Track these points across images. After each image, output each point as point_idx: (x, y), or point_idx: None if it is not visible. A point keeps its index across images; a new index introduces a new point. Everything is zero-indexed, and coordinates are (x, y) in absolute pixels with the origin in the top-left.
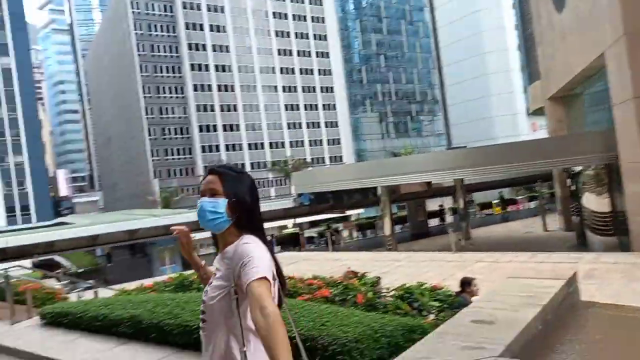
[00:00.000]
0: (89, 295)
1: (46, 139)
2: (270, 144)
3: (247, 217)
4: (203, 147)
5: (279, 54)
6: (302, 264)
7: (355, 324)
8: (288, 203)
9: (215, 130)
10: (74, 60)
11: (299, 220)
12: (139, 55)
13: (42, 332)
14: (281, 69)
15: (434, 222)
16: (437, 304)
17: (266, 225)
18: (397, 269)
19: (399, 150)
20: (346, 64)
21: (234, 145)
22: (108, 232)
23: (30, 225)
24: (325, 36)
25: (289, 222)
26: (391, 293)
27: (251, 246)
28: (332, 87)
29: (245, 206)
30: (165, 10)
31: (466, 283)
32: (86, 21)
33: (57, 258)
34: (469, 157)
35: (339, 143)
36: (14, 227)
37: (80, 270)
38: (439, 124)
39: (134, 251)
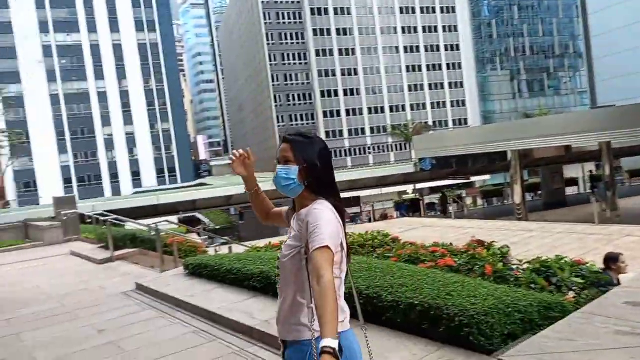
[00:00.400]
0: (224, 250)
1: (187, 107)
2: (391, 107)
3: (317, 182)
4: (325, 113)
5: (401, 12)
6: (422, 231)
7: (485, 296)
8: (408, 168)
9: (336, 95)
10: (209, 32)
11: (420, 185)
12: (266, 23)
13: (186, 281)
14: (403, 28)
15: (571, 191)
16: (579, 280)
17: (385, 190)
18: (529, 240)
19: (533, 111)
20: (474, 19)
21: (354, 110)
22: (240, 193)
23: (176, 185)
24: None
25: (409, 188)
26: (524, 266)
27: (321, 213)
28: (457, 45)
29: (315, 172)
30: None
31: (612, 259)
32: None
33: (198, 215)
34: (619, 117)
35: (463, 105)
36: (163, 187)
37: (217, 227)
38: (582, 80)
39: None
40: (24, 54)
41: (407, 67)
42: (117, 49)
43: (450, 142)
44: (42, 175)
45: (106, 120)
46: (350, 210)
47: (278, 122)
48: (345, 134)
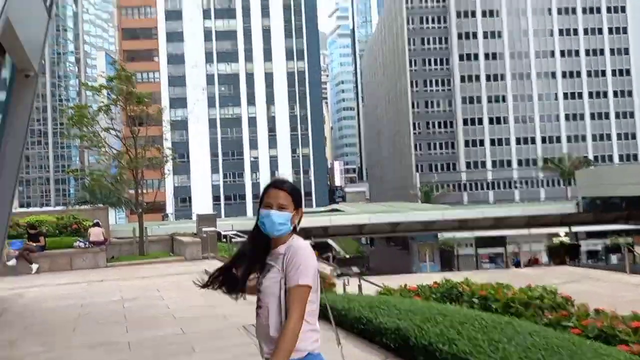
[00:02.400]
0: (353, 282)
1: (327, 133)
2: (543, 138)
3: (298, 224)
4: (466, 142)
5: (560, 34)
6: (587, 284)
7: None
8: (567, 207)
9: (480, 123)
10: (353, 61)
11: (576, 229)
12: (410, 50)
13: None
14: (562, 51)
15: None
16: None
17: (534, 230)
18: None
19: None
20: None
21: (500, 139)
22: (373, 223)
23: (310, 210)
24: (622, 8)
25: (561, 230)
26: None
27: (305, 251)
28: (627, 70)
29: (301, 217)
30: (437, 1)
31: None
32: (365, 23)
33: (330, 241)
34: None
35: (633, 138)
36: None
37: (347, 256)
38: None
39: (395, 242)
40: (191, 82)
41: (565, 94)
42: (269, 77)
43: (623, 180)
44: (196, 192)
45: (254, 144)
46: (493, 251)
47: (415, 149)
48: (489, 165)
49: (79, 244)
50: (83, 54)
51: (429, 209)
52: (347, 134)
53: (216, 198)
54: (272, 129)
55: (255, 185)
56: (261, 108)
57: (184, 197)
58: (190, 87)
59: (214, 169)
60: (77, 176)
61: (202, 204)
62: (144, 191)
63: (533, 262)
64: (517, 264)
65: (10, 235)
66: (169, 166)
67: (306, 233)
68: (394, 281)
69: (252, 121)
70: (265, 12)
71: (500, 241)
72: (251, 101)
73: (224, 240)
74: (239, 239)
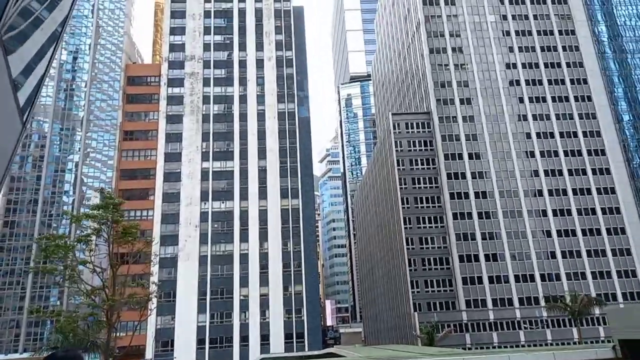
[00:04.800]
0: None
1: (319, 271)
2: (542, 275)
3: None
4: (464, 279)
5: (546, 175)
6: None
7: None
8: (601, 352)
9: (477, 260)
10: (343, 201)
11: None
12: (401, 188)
13: None
14: (549, 190)
15: None
16: None
17: None
18: None
19: None
20: (634, 181)
21: (497, 277)
22: None
23: (304, 354)
24: (601, 151)
25: None
26: None
27: None
28: (617, 208)
29: None
30: (426, 145)
31: None
32: (355, 166)
33: None
34: None
35: (634, 275)
36: (290, 354)
37: None
38: None
39: None
40: (184, 219)
41: (558, 231)
42: (263, 214)
43: None
44: (179, 334)
45: (244, 281)
46: None
47: (412, 287)
48: (489, 304)
49: None
50: (78, 192)
51: (445, 354)
52: (339, 272)
53: (200, 341)
54: (264, 267)
55: (244, 326)
56: (254, 244)
57: (165, 341)
58: (183, 224)
59: (201, 309)
60: (41, 316)
61: (185, 348)
62: (119, 335)
63: None
64: None
65: None
66: (152, 305)
67: None
68: None
69: (244, 258)
70: (262, 154)
71: None
72: (244, 238)
73: None
74: None
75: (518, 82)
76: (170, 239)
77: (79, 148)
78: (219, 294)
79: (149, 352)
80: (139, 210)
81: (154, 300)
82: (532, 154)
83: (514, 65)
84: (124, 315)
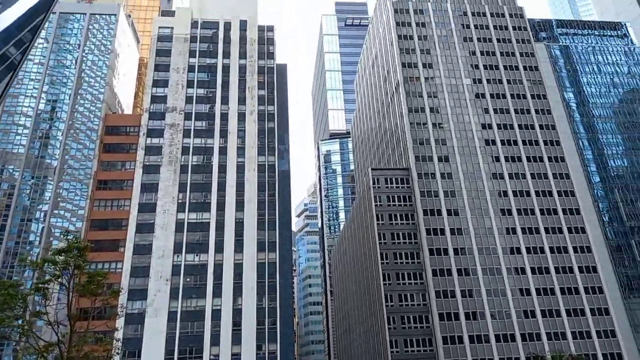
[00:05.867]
0: None
1: (295, 329)
2: (522, 335)
3: None
4: (444, 338)
5: (524, 232)
6: None
7: None
8: None
9: (457, 318)
10: (320, 256)
11: None
12: (380, 243)
13: None
14: (527, 248)
15: None
16: None
17: None
18: None
19: None
20: (608, 240)
21: (478, 336)
22: None
23: None
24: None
25: None
26: None
27: None
28: (594, 267)
29: None
30: (405, 200)
31: None
32: (333, 221)
33: None
34: None
35: (614, 336)
36: None
37: None
38: None
39: None
40: (155, 272)
41: (537, 289)
42: (238, 267)
43: None
44: None
45: (215, 340)
46: None
47: (391, 346)
48: None
49: None
50: (44, 243)
51: None
52: (314, 330)
53: None
54: (237, 323)
55: None
56: (227, 300)
57: None
58: (153, 277)
59: None
60: None
61: None
62: None
63: None
64: None
65: None
66: None
67: None
68: None
69: (216, 314)
70: (239, 206)
71: None
72: (217, 293)
73: None
74: None
75: (494, 142)
76: (138, 293)
77: (49, 197)
78: (187, 353)
79: None
80: (107, 262)
81: (117, 358)
82: (510, 212)
83: (489, 126)
84: None
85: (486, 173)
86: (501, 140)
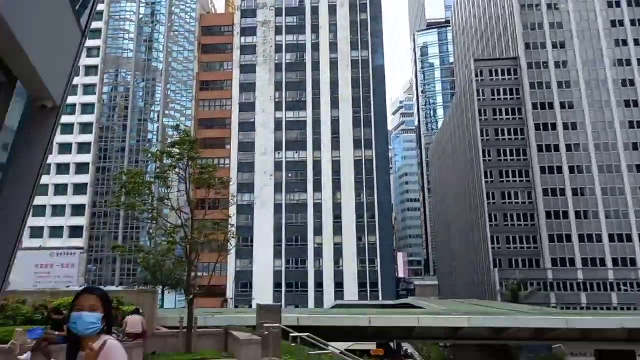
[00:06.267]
0: None
1: (393, 223)
2: None
3: (108, 326)
4: (551, 237)
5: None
6: None
7: None
8: None
9: (566, 217)
10: (417, 154)
11: None
12: (483, 140)
13: None
14: None
15: None
16: None
17: None
18: None
19: None
20: None
21: (589, 235)
22: (473, 327)
23: (378, 302)
24: None
25: None
26: None
27: (117, 350)
28: None
29: (111, 319)
30: (512, 94)
31: None
32: (431, 119)
33: (407, 345)
34: None
35: None
36: (364, 302)
37: None
38: None
39: (490, 351)
40: (259, 168)
41: None
42: (336, 164)
43: None
44: (257, 277)
45: (318, 230)
46: None
47: (492, 243)
48: (578, 263)
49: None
50: (162, 141)
51: (537, 312)
52: (411, 226)
53: (277, 285)
54: (337, 216)
55: (318, 273)
56: (327, 195)
57: (245, 282)
58: (258, 173)
59: (277, 255)
60: (123, 254)
61: (263, 290)
62: (199, 274)
63: None
64: None
65: (33, 320)
66: (231, 247)
67: (387, 333)
68: None
69: (318, 207)
70: (335, 104)
71: (629, 357)
72: (317, 188)
73: (292, 341)
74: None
75: (622, 23)
76: (246, 187)
77: (159, 99)
78: (294, 241)
79: (230, 292)
80: (216, 158)
81: (233, 242)
82: (635, 103)
83: (617, 4)
84: (203, 256)
85: (610, 59)
86: (631, 21)
